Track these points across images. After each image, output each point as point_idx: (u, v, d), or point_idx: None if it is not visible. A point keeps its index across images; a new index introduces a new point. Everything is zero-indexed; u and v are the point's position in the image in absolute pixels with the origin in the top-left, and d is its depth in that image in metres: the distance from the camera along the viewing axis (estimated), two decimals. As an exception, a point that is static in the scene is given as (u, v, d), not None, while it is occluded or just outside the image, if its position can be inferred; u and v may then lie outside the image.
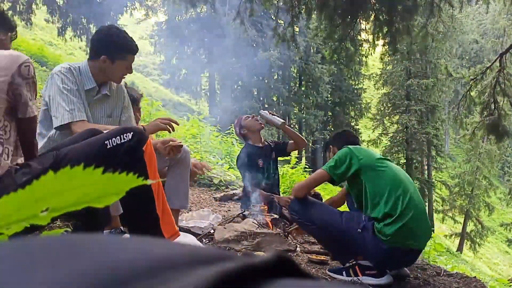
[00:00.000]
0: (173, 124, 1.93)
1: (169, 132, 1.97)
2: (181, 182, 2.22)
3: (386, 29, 5.52)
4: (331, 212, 2.17)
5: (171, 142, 1.99)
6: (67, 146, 1.51)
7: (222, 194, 3.87)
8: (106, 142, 1.38)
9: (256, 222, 2.57)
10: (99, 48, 1.88)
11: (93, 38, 1.94)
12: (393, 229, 1.95)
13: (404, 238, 1.97)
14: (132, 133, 1.41)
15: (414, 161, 19.65)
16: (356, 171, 2.09)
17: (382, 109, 21.90)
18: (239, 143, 7.85)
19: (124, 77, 1.98)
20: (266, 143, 3.31)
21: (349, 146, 2.17)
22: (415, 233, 2.01)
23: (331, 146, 2.46)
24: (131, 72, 1.96)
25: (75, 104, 1.79)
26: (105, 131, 1.48)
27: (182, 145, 2.03)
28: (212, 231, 2.45)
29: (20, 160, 1.41)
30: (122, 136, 1.39)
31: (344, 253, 2.18)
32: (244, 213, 2.85)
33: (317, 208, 2.18)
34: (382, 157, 2.22)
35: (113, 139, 1.38)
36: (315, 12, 5.74)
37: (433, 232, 2.26)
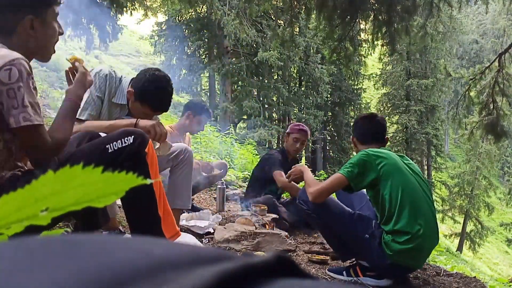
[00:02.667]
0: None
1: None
2: (183, 182, 2.23)
3: (385, 29, 5.52)
4: (341, 210, 2.09)
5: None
6: (72, 148, 1.51)
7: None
8: (107, 146, 1.36)
9: (257, 222, 2.57)
10: (134, 82, 1.93)
11: (139, 72, 1.97)
12: (401, 247, 1.89)
13: (408, 258, 1.94)
14: (133, 136, 1.39)
15: (414, 161, 19.60)
16: (374, 180, 1.97)
17: (381, 109, 21.91)
18: (239, 143, 7.84)
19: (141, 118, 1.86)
20: (293, 160, 3.28)
21: (368, 150, 1.99)
22: (420, 256, 1.97)
23: (352, 136, 2.25)
24: (149, 118, 1.85)
25: (88, 104, 1.87)
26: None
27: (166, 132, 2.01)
28: (212, 231, 2.45)
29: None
30: (123, 139, 1.37)
31: (346, 253, 2.17)
32: (243, 213, 2.85)
33: (328, 202, 2.09)
34: (404, 163, 2.02)
35: (114, 143, 1.37)
36: (314, 12, 5.73)
37: (438, 241, 2.22)
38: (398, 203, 1.91)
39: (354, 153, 2.28)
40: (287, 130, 3.26)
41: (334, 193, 2.46)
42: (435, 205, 2.15)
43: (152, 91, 1.84)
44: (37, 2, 1.32)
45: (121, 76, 1.99)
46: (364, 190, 2.16)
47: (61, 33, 1.42)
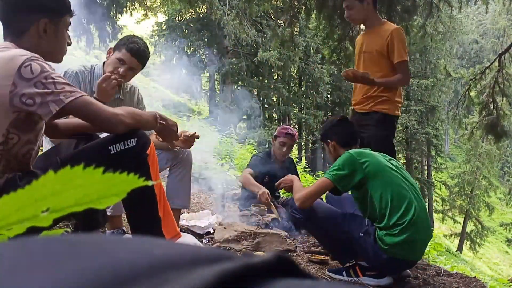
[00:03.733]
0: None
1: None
2: (182, 182, 2.23)
3: (386, 29, 5.51)
4: (333, 213, 2.11)
5: (185, 133, 2.01)
6: (68, 151, 1.51)
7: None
8: (110, 148, 1.36)
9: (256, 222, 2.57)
10: (115, 47, 1.96)
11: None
12: (394, 240, 1.91)
13: (403, 250, 1.94)
14: (136, 138, 1.39)
15: (414, 161, 19.66)
16: (361, 180, 1.98)
17: (381, 109, 21.88)
18: (238, 143, 7.84)
19: (114, 72, 1.91)
20: (287, 163, 3.26)
21: (351, 151, 2.03)
22: (415, 247, 1.98)
23: (329, 140, 2.22)
24: (121, 70, 1.90)
25: None
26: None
27: (198, 136, 2.03)
28: (212, 231, 2.45)
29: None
30: (126, 141, 1.37)
31: (344, 254, 2.17)
32: (243, 213, 2.85)
33: (319, 207, 2.12)
34: (387, 160, 2.06)
35: (117, 144, 1.36)
36: (314, 12, 5.74)
37: (432, 236, 2.24)
38: (389, 201, 1.93)
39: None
40: (275, 133, 3.22)
41: (324, 198, 2.48)
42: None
43: (127, 38, 1.94)
44: (55, 8, 1.35)
45: (91, 66, 1.99)
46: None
47: (69, 44, 1.45)
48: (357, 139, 2.24)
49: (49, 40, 1.35)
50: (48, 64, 1.25)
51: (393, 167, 2.04)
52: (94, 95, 1.75)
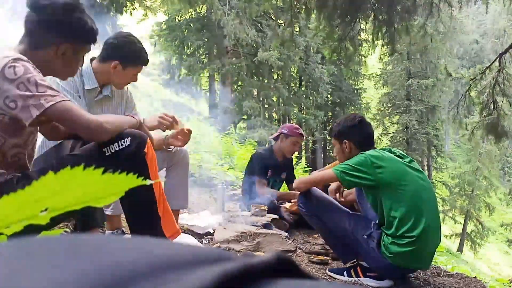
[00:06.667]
0: (173, 122, 1.96)
1: (164, 130, 2.01)
2: (180, 182, 2.22)
3: (385, 29, 5.52)
4: (339, 211, 2.11)
5: (182, 128, 2.02)
6: (65, 152, 1.51)
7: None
8: (104, 150, 1.36)
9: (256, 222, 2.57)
10: (114, 53, 1.88)
11: (108, 42, 1.91)
12: (401, 250, 1.88)
13: (408, 261, 1.92)
14: (130, 138, 1.38)
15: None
16: (370, 185, 1.95)
17: (382, 109, 21.90)
18: (239, 143, 7.84)
19: (127, 85, 2.00)
20: (286, 159, 3.36)
21: (368, 153, 1.95)
22: (421, 258, 1.95)
23: (345, 140, 2.12)
24: (135, 80, 1.96)
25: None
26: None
27: (191, 131, 2.04)
28: (212, 231, 2.45)
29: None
30: (119, 142, 1.36)
31: (346, 253, 2.17)
32: (243, 213, 2.85)
33: (325, 204, 2.12)
34: (406, 164, 1.97)
35: (111, 145, 1.36)
36: (314, 12, 5.74)
37: (440, 242, 2.20)
38: (398, 215, 1.89)
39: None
40: (285, 131, 3.23)
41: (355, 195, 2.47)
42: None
43: (136, 48, 1.91)
44: (82, 38, 1.37)
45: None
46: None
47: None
48: (373, 141, 2.18)
49: (65, 62, 1.36)
50: (33, 67, 1.24)
51: (413, 170, 1.96)
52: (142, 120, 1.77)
